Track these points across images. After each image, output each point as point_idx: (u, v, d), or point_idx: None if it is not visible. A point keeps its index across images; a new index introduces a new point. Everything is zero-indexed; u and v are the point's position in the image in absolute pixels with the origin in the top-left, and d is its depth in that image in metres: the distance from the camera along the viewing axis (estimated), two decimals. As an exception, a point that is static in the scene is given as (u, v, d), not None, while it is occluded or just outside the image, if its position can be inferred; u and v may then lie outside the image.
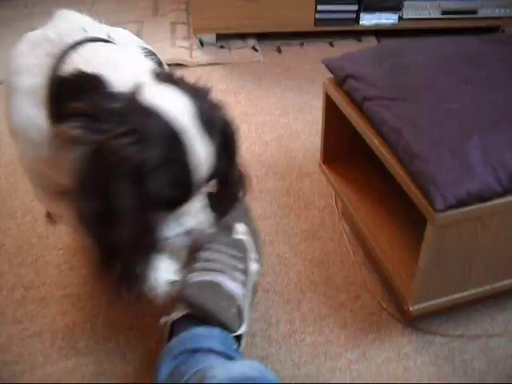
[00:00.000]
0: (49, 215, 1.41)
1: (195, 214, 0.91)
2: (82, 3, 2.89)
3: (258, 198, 1.55)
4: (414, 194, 0.97)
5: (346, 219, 1.47)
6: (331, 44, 2.42)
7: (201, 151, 0.84)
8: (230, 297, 1.01)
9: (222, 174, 0.93)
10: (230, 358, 0.93)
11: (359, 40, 2.44)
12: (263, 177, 1.63)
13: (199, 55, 2.31)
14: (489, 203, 0.94)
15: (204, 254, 1.04)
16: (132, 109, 0.81)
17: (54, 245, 1.43)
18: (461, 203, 0.92)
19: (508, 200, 0.95)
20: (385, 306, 1.25)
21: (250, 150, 1.74)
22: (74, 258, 1.38)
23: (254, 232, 1.16)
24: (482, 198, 0.93)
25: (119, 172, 0.77)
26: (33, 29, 1.02)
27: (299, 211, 1.51)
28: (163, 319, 1.02)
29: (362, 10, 2.34)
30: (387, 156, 1.05)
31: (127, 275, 0.86)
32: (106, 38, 0.98)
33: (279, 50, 2.38)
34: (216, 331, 0.96)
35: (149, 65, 0.94)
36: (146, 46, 1.07)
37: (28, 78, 0.93)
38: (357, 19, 2.37)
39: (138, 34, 2.52)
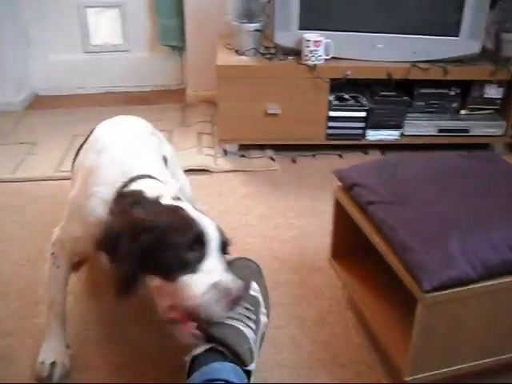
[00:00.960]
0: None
1: (219, 272, 1.18)
2: (119, 112, 3.22)
3: (274, 288, 1.75)
4: (407, 279, 1.19)
5: (352, 307, 1.67)
6: (340, 156, 2.69)
7: (206, 220, 1.22)
8: (244, 336, 1.22)
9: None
10: None
11: (365, 153, 2.72)
12: (279, 270, 1.85)
13: (222, 162, 2.60)
14: (467, 287, 1.16)
15: None
16: (155, 202, 1.24)
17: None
18: (444, 286, 1.14)
19: (483, 285, 1.17)
20: (385, 383, 1.42)
21: (267, 247, 1.97)
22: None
23: (264, 289, 1.43)
24: (461, 283, 1.15)
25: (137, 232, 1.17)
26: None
27: (310, 300, 1.72)
28: (188, 356, 1.22)
29: (368, 127, 2.63)
30: (385, 249, 1.29)
31: None
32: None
33: (294, 161, 2.65)
34: (231, 366, 1.16)
35: (169, 191, 1.33)
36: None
37: (105, 189, 1.32)
38: (363, 135, 2.66)
39: (168, 141, 2.82)
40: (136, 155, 1.43)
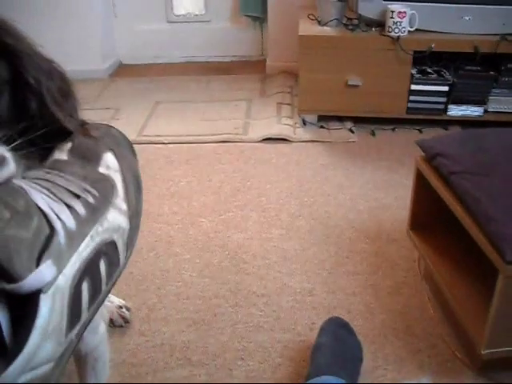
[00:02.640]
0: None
1: None
2: (200, 81, 3.29)
3: (350, 257, 1.77)
4: (489, 250, 1.17)
5: (427, 280, 1.66)
6: (420, 131, 2.64)
7: None
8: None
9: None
10: None
11: (446, 129, 2.66)
12: (355, 239, 1.86)
13: (301, 132, 2.61)
14: (552, 260, 1.13)
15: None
16: None
17: (174, 278, 1.69)
18: (528, 259, 1.12)
19: None
20: (459, 356, 1.42)
21: (344, 217, 1.98)
22: (190, 290, 1.64)
23: (133, 173, 0.91)
24: (547, 256, 1.12)
25: None
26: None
27: (385, 270, 1.72)
28: None
29: (451, 101, 2.57)
30: (467, 220, 1.27)
31: None
32: None
33: (373, 133, 2.63)
34: (343, 381, 1.20)
35: None
36: None
37: None
38: (445, 110, 2.60)
39: (248, 110, 2.86)
40: None
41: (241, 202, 2.08)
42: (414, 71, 2.54)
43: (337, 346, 1.33)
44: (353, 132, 2.62)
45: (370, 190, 2.16)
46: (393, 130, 2.66)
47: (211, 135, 2.60)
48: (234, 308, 1.57)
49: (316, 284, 1.66)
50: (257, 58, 3.71)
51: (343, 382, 1.20)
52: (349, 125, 2.68)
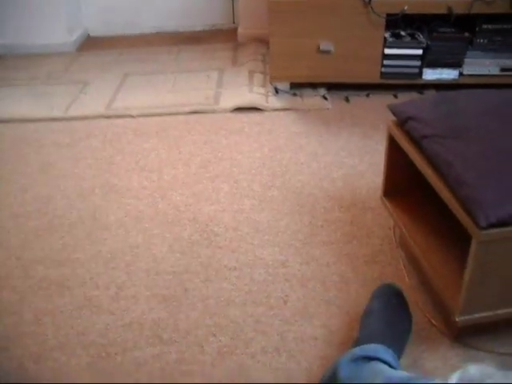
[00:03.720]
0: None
1: None
2: (170, 52, 3.21)
3: (324, 226, 1.73)
4: (462, 215, 1.13)
5: (403, 247, 1.63)
6: (395, 96, 2.60)
7: None
8: None
9: None
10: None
11: (421, 93, 2.62)
12: (330, 208, 1.81)
13: (274, 101, 2.55)
14: (526, 224, 1.10)
15: None
16: None
17: (143, 254, 1.64)
18: (501, 223, 1.08)
19: (544, 223, 1.11)
20: (434, 323, 1.39)
21: (318, 185, 1.93)
22: (160, 266, 1.59)
23: None
24: (520, 220, 1.09)
25: None
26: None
27: (361, 239, 1.68)
28: None
29: (425, 65, 2.52)
30: (439, 184, 1.23)
31: None
32: None
33: (347, 100, 2.58)
34: (391, 351, 1.18)
35: None
36: None
37: None
38: (420, 74, 2.55)
39: (219, 80, 2.79)
40: None
41: (212, 173, 2.03)
42: (387, 35, 2.48)
43: (389, 314, 1.31)
44: (326, 99, 2.57)
45: (344, 157, 2.11)
46: (367, 95, 2.62)
47: (181, 106, 2.54)
48: (205, 283, 1.53)
49: (289, 255, 1.62)
50: (228, 26, 3.63)
51: (392, 353, 1.18)
52: (322, 92, 2.62)
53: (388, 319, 1.30)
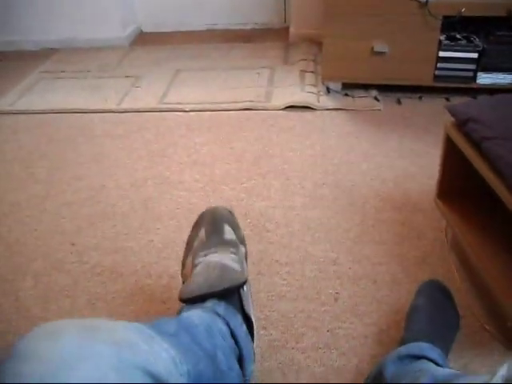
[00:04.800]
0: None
1: None
2: (221, 49, 3.24)
3: (375, 226, 1.73)
4: (524, 218, 1.12)
5: (455, 250, 1.61)
6: (448, 99, 2.57)
7: None
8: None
9: None
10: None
11: (474, 97, 2.57)
12: (381, 208, 1.81)
13: (325, 100, 2.55)
14: None
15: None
16: None
17: (196, 246, 1.66)
18: None
19: None
20: (487, 328, 1.37)
21: (369, 185, 1.93)
22: (212, 259, 1.61)
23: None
24: None
25: None
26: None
27: (411, 240, 1.67)
28: None
29: (480, 69, 2.48)
30: (501, 188, 1.21)
31: None
32: None
33: (399, 102, 2.56)
34: (438, 349, 1.16)
35: None
36: None
37: None
38: (474, 78, 2.51)
39: (270, 78, 2.81)
40: None
41: (263, 169, 2.04)
42: (442, 37, 2.45)
43: (435, 311, 1.30)
44: (378, 100, 2.56)
45: (395, 158, 2.10)
46: (419, 98, 2.59)
47: (233, 103, 2.55)
48: (257, 276, 1.54)
49: (340, 253, 1.62)
50: (280, 25, 3.64)
51: (438, 351, 1.17)
52: (374, 93, 2.61)
53: (433, 316, 1.29)
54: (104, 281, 1.57)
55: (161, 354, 0.83)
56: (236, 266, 1.20)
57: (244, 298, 1.21)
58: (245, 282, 1.20)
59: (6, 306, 1.50)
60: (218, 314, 1.10)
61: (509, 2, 2.32)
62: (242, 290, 1.22)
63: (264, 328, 1.38)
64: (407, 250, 1.63)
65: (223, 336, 1.05)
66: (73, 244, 1.72)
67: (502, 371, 0.84)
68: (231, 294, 1.17)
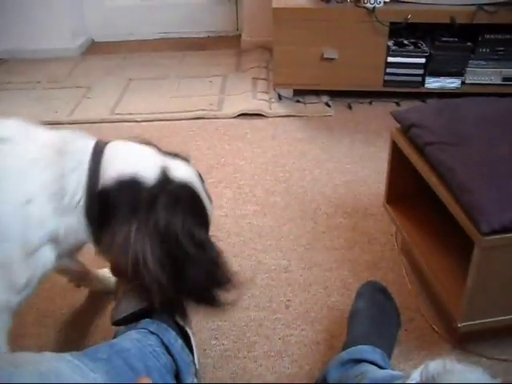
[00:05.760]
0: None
1: None
2: (174, 57, 3.23)
3: (326, 232, 1.74)
4: (464, 221, 1.14)
5: (405, 254, 1.64)
6: (398, 104, 2.61)
7: (209, 206, 1.12)
8: None
9: None
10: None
11: (423, 101, 2.61)
12: (332, 214, 1.83)
13: (277, 107, 2.56)
14: (529, 231, 1.11)
15: None
16: (168, 186, 1.02)
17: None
18: (504, 229, 1.09)
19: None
20: (436, 329, 1.40)
21: (320, 192, 1.94)
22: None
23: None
24: (523, 226, 1.10)
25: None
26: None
27: (363, 245, 1.69)
28: None
29: (428, 74, 2.53)
30: (443, 191, 1.24)
31: None
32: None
33: (350, 107, 2.59)
34: (379, 351, 1.17)
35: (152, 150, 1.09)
36: None
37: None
38: (422, 82, 2.56)
39: (223, 86, 2.81)
40: None
41: (215, 178, 2.04)
42: (390, 43, 2.49)
43: (374, 312, 1.30)
44: (329, 106, 2.58)
45: (346, 163, 2.13)
46: (370, 103, 2.63)
47: (185, 112, 2.55)
48: (208, 287, 1.54)
49: (292, 260, 1.63)
50: (232, 33, 3.64)
51: (379, 352, 1.17)
52: (325, 99, 2.63)
53: (373, 317, 1.29)
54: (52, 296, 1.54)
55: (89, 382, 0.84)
56: None
57: None
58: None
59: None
60: (152, 332, 1.09)
61: (452, 10, 2.37)
62: None
63: (216, 338, 1.38)
64: (358, 255, 1.65)
65: (156, 356, 1.05)
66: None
67: (421, 369, 0.85)
68: (162, 310, 1.15)
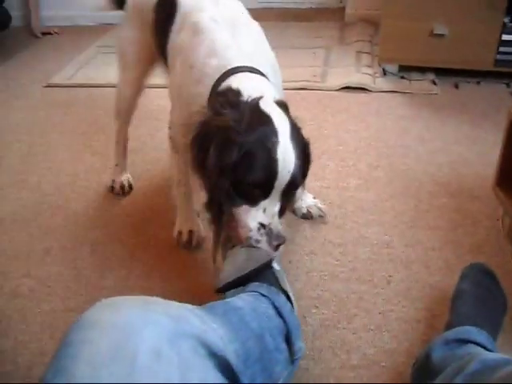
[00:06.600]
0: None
1: (271, 215, 1.20)
2: (276, 27, 3.22)
3: (430, 211, 1.71)
4: None
5: (511, 239, 1.59)
6: (508, 85, 2.50)
7: (288, 159, 1.16)
8: None
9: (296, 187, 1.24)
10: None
11: (536, 84, 2.52)
12: (435, 193, 1.79)
13: (381, 82, 2.53)
14: None
15: None
16: (251, 108, 1.17)
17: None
18: None
19: None
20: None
21: (424, 170, 1.91)
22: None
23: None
24: None
25: (220, 140, 1.14)
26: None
27: (466, 227, 1.65)
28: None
29: (545, 54, 2.42)
30: None
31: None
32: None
33: (456, 86, 2.52)
34: (485, 333, 1.15)
35: (270, 90, 1.27)
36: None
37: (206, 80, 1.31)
38: (538, 64, 2.45)
39: (326, 58, 2.79)
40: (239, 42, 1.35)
41: (318, 150, 2.02)
42: (506, 20, 2.38)
43: (480, 294, 1.28)
44: (435, 84, 2.52)
45: (451, 144, 2.07)
46: (478, 83, 2.54)
47: (288, 82, 2.54)
48: (309, 256, 1.55)
49: (394, 236, 1.62)
50: (336, 5, 3.60)
51: (486, 334, 1.15)
52: (431, 76, 2.57)
53: (479, 299, 1.26)
54: (160, 253, 1.60)
55: (211, 331, 0.87)
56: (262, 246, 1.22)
57: (279, 276, 1.22)
58: (271, 260, 1.21)
59: (65, 273, 1.55)
60: (263, 295, 1.12)
61: None
62: (275, 269, 1.23)
63: (316, 307, 1.39)
64: (462, 237, 1.62)
65: (268, 317, 1.07)
66: (128, 216, 1.76)
67: None
68: (267, 275, 1.19)
